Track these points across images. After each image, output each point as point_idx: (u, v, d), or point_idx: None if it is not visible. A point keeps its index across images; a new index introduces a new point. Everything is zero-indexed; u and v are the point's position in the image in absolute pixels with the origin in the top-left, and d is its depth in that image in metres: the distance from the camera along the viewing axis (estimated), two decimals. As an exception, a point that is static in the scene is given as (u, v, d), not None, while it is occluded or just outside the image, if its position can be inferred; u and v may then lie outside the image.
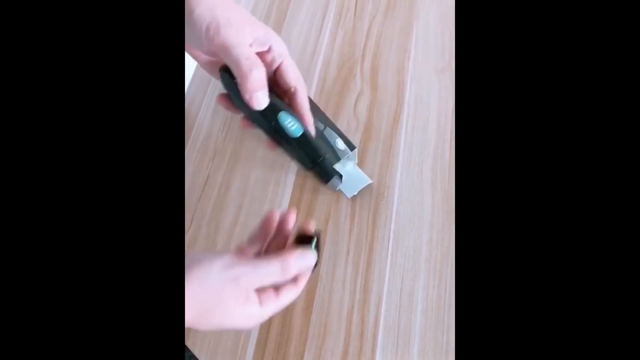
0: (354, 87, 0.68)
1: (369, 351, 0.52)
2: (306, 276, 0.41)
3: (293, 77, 0.41)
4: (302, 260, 0.39)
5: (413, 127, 0.65)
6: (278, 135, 0.39)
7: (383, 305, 0.54)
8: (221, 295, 0.35)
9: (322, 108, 0.62)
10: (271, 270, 0.37)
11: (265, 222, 0.41)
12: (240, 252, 0.40)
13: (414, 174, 0.61)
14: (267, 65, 0.40)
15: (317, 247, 0.40)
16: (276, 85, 0.42)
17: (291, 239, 0.42)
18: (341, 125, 0.64)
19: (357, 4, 0.75)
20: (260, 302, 0.37)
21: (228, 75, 0.38)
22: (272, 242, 0.42)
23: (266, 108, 0.38)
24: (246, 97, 0.37)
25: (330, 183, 0.40)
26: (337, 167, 0.58)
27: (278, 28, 0.74)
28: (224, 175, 0.64)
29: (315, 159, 0.39)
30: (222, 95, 0.41)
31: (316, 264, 0.40)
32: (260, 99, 0.38)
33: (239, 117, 0.42)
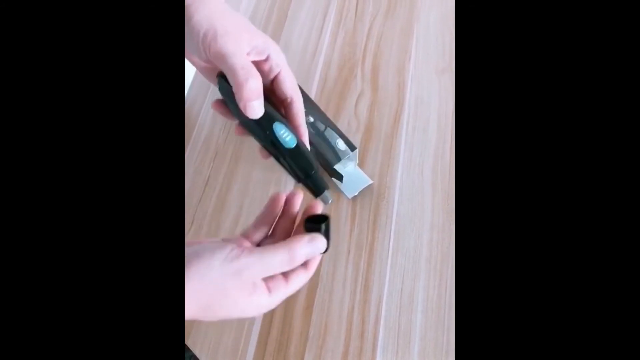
0: (354, 88, 0.68)
1: (369, 351, 0.52)
2: (317, 260, 0.39)
3: (290, 87, 0.41)
4: (310, 247, 0.37)
5: (413, 127, 0.65)
6: (272, 145, 0.39)
7: (383, 305, 0.54)
8: (225, 289, 0.34)
9: (322, 108, 0.62)
10: (278, 259, 0.35)
11: (271, 205, 0.40)
12: (246, 237, 0.39)
13: (415, 174, 0.62)
14: (264, 74, 0.40)
15: (327, 231, 0.39)
16: (272, 94, 0.42)
17: (298, 221, 0.41)
18: (342, 126, 0.64)
19: (357, 5, 0.75)
20: (269, 291, 0.36)
21: (225, 82, 0.38)
22: (278, 225, 0.41)
23: (261, 117, 0.38)
24: (241, 105, 0.37)
25: (321, 197, 0.39)
26: (338, 167, 0.58)
27: (279, 29, 0.74)
28: (224, 175, 0.64)
29: (307, 171, 0.39)
30: (219, 101, 0.41)
31: (327, 247, 0.38)
32: (255, 108, 0.37)
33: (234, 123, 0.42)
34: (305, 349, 0.53)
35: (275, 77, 0.41)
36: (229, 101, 0.39)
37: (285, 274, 0.37)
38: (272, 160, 0.40)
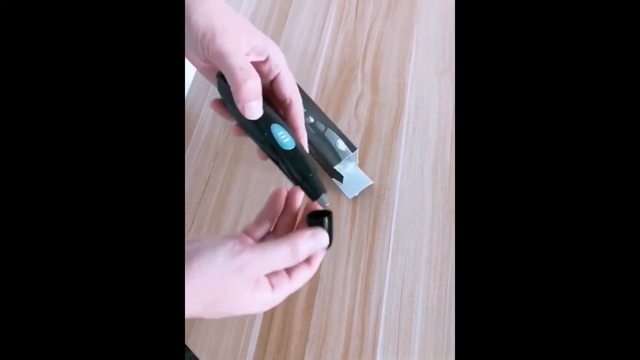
0: (354, 89, 0.68)
1: (369, 351, 0.52)
2: (319, 256, 0.38)
3: (289, 88, 0.41)
4: (312, 242, 0.36)
5: (414, 128, 0.65)
6: (270, 147, 0.38)
7: (383, 305, 0.54)
8: (227, 286, 0.33)
9: (323, 109, 0.62)
10: (280, 255, 0.35)
11: (272, 200, 0.40)
12: (247, 234, 0.39)
13: (415, 175, 0.62)
14: (264, 75, 0.40)
15: (330, 226, 0.38)
16: (272, 96, 0.41)
17: (300, 217, 0.40)
18: (342, 127, 0.64)
19: (358, 6, 0.75)
20: (273, 287, 0.35)
21: (224, 82, 0.38)
22: (280, 221, 0.40)
23: (259, 118, 0.38)
24: (239, 106, 0.37)
25: (319, 200, 0.39)
26: (338, 168, 0.58)
27: (279, 29, 0.74)
28: (225, 176, 0.64)
29: (305, 174, 0.38)
30: (217, 101, 0.41)
31: (330, 243, 0.38)
32: (253, 109, 0.37)
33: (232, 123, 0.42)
34: (305, 349, 0.53)
35: (275, 78, 0.41)
36: (227, 101, 0.39)
37: (289, 271, 0.37)
38: (270, 161, 0.40)
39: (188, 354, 0.55)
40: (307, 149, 0.40)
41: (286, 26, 0.74)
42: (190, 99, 0.72)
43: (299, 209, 0.41)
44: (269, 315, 0.55)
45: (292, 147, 0.38)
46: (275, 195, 0.40)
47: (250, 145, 0.40)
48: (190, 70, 0.68)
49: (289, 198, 0.40)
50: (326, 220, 0.38)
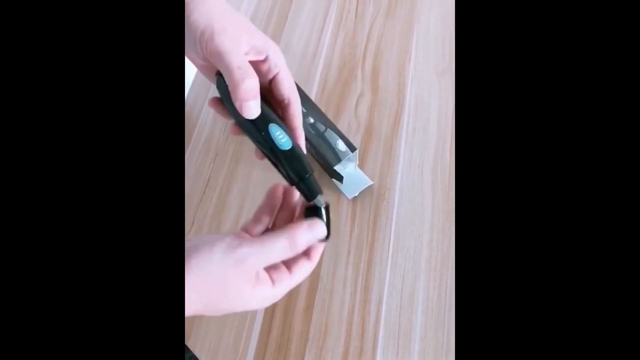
0: (354, 89, 0.68)
1: (369, 352, 0.52)
2: (319, 249, 0.38)
3: (287, 88, 0.41)
4: (310, 232, 0.36)
5: (414, 128, 0.65)
6: (267, 146, 0.38)
7: (384, 305, 0.54)
8: (227, 281, 0.33)
9: (323, 109, 0.62)
10: (278, 247, 0.35)
11: (270, 197, 0.40)
12: (246, 231, 0.39)
13: (415, 175, 0.62)
14: (263, 74, 0.40)
15: (328, 217, 0.38)
16: (270, 95, 0.41)
17: (298, 212, 0.40)
18: (342, 127, 0.64)
19: (358, 6, 0.75)
20: (273, 282, 0.35)
21: (222, 80, 0.38)
22: (278, 217, 0.40)
23: (257, 118, 0.38)
24: (237, 105, 0.37)
25: (314, 201, 0.39)
26: (338, 168, 0.58)
27: (279, 30, 0.74)
28: (225, 176, 0.65)
29: (302, 174, 0.38)
30: (216, 99, 0.41)
31: (328, 235, 0.38)
32: (251, 108, 0.37)
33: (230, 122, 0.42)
34: (305, 349, 0.53)
35: (274, 78, 0.41)
36: (225, 100, 0.39)
37: (289, 265, 0.36)
38: (267, 161, 0.40)
39: (188, 354, 0.55)
40: (304, 150, 0.40)
41: (286, 26, 0.74)
42: (190, 99, 0.72)
43: (297, 204, 0.41)
44: (269, 315, 0.55)
45: (290, 147, 0.38)
46: (272, 192, 0.40)
47: (250, 146, 0.40)
48: (190, 71, 0.68)
49: (287, 194, 0.40)
50: (323, 211, 0.38)
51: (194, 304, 0.32)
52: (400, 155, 0.63)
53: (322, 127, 0.60)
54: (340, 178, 0.59)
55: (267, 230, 0.40)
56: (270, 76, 0.41)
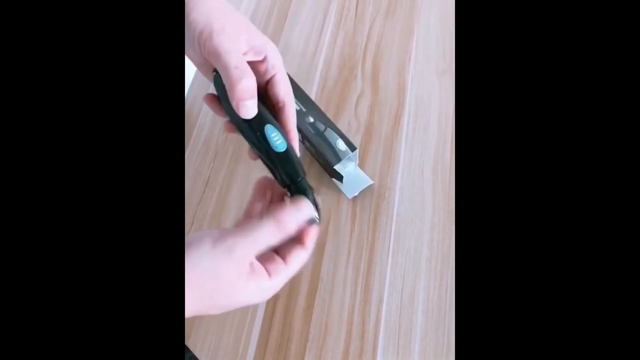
0: (354, 88, 0.68)
1: (369, 352, 0.52)
2: (311, 234, 0.37)
3: (283, 90, 0.41)
4: (296, 210, 0.36)
5: (414, 128, 0.65)
6: (261, 147, 0.38)
7: (384, 306, 0.54)
8: (219, 274, 0.32)
9: (323, 109, 0.62)
10: (265, 231, 0.34)
11: (258, 190, 0.40)
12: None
13: (415, 174, 0.62)
14: (260, 75, 0.40)
15: (315, 202, 0.38)
16: (265, 96, 0.41)
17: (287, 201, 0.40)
18: (342, 126, 0.64)
19: (357, 6, 0.75)
20: (269, 274, 0.34)
21: (220, 79, 0.38)
22: (269, 210, 0.39)
23: (253, 118, 0.38)
24: (233, 104, 0.37)
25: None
26: (338, 167, 0.58)
27: (279, 29, 0.74)
28: (224, 176, 0.64)
29: (293, 177, 0.38)
30: (211, 95, 0.41)
31: (319, 217, 0.37)
32: (248, 108, 0.37)
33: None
34: (305, 349, 0.53)
35: (271, 79, 0.41)
36: (222, 98, 0.39)
37: (283, 255, 0.36)
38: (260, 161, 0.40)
39: (188, 354, 0.55)
40: (298, 152, 0.40)
41: (286, 26, 0.74)
42: (190, 99, 0.72)
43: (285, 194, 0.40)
44: (269, 315, 0.55)
45: (284, 149, 0.38)
46: (260, 185, 0.40)
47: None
48: (190, 70, 0.68)
49: (275, 186, 0.40)
50: (309, 189, 0.38)
51: (191, 301, 0.32)
52: (401, 155, 0.63)
53: (322, 127, 0.60)
54: (340, 177, 0.59)
55: None
56: (268, 77, 0.41)
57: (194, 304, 0.32)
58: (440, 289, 0.55)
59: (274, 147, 0.38)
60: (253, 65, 0.39)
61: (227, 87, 0.37)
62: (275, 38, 0.73)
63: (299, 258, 0.36)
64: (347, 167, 0.60)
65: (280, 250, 0.36)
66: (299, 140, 0.61)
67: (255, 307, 0.56)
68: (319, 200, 0.39)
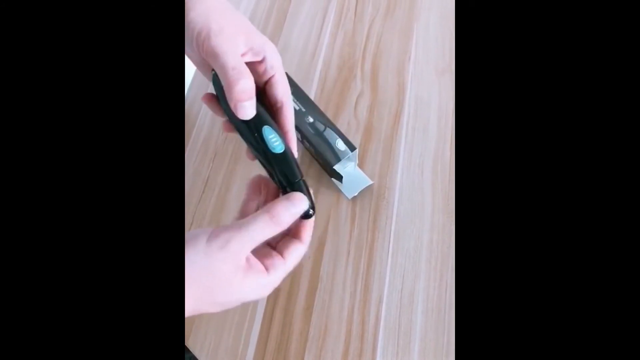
0: (354, 88, 0.68)
1: (369, 352, 0.52)
2: (308, 229, 0.37)
3: (282, 91, 0.41)
4: (289, 203, 0.35)
5: (413, 128, 0.65)
6: (259, 148, 0.38)
7: (383, 306, 0.54)
8: (215, 269, 0.32)
9: (322, 109, 0.62)
10: (260, 224, 0.34)
11: (252, 189, 0.40)
12: None
13: (415, 174, 0.62)
14: (259, 75, 0.40)
15: (308, 190, 0.38)
16: (264, 97, 0.41)
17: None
18: (341, 126, 0.64)
19: (357, 5, 0.75)
20: (267, 269, 0.34)
21: (219, 79, 0.38)
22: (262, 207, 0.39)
23: (251, 119, 0.38)
24: (231, 105, 0.37)
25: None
26: (338, 167, 0.58)
27: (278, 29, 0.74)
28: (224, 176, 0.64)
29: (291, 179, 0.38)
30: (209, 94, 0.41)
31: (313, 211, 0.37)
32: (246, 109, 0.37)
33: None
34: (305, 349, 0.53)
35: (269, 80, 0.41)
36: (220, 98, 0.39)
37: (280, 250, 0.36)
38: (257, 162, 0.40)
39: (188, 355, 0.55)
40: (295, 154, 0.40)
41: (285, 26, 0.74)
42: (189, 98, 0.72)
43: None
44: (269, 315, 0.55)
45: (282, 150, 0.38)
46: (254, 183, 0.40)
47: (249, 146, 0.40)
48: (189, 70, 0.68)
49: (269, 184, 0.40)
50: (302, 182, 0.38)
51: (189, 300, 0.32)
52: (400, 155, 0.63)
53: (321, 127, 0.60)
54: (339, 177, 0.59)
55: None
56: (266, 78, 0.41)
57: (192, 302, 0.32)
58: (440, 289, 0.55)
59: (271, 149, 0.38)
60: (252, 65, 0.39)
61: (225, 88, 0.37)
62: (274, 38, 0.73)
63: (297, 252, 0.36)
64: (347, 167, 0.60)
65: (277, 246, 0.36)
66: (299, 140, 0.61)
67: (254, 307, 0.56)
68: (311, 192, 0.38)
